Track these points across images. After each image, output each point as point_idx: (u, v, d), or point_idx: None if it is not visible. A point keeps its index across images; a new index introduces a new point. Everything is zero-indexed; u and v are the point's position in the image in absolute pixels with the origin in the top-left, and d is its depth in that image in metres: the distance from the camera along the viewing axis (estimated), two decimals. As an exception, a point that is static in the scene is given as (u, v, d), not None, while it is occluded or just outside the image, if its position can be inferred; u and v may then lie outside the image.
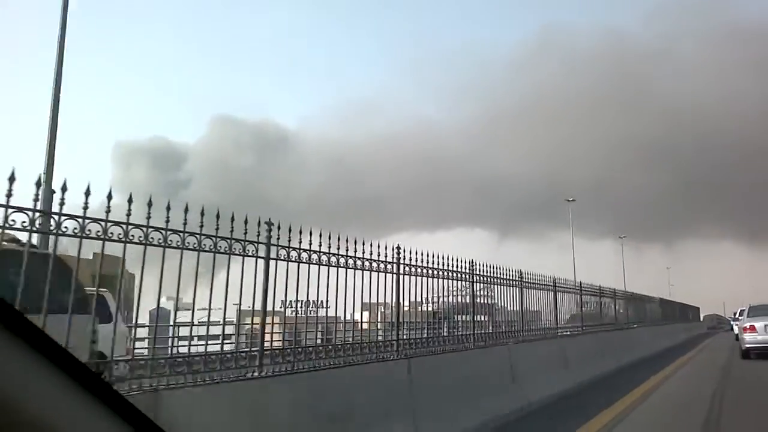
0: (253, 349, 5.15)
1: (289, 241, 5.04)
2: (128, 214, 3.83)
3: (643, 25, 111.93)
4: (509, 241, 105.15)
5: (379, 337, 6.87)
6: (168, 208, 3.91)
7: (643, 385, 11.10)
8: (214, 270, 4.41)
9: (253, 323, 5.50)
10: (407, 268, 6.77)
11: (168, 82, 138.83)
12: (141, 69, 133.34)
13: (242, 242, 4.56)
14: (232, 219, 4.44)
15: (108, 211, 3.73)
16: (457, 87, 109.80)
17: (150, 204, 3.90)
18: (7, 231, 3.36)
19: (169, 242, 3.99)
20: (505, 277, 9.57)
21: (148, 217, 3.90)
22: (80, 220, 3.60)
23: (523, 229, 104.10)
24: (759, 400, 9.35)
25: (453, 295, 8.21)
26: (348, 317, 5.93)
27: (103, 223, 3.71)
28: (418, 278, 7.01)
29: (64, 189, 3.50)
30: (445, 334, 8.20)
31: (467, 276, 8.35)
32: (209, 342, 4.69)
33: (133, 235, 3.87)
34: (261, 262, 4.85)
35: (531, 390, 8.65)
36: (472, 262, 8.56)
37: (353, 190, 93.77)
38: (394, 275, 6.56)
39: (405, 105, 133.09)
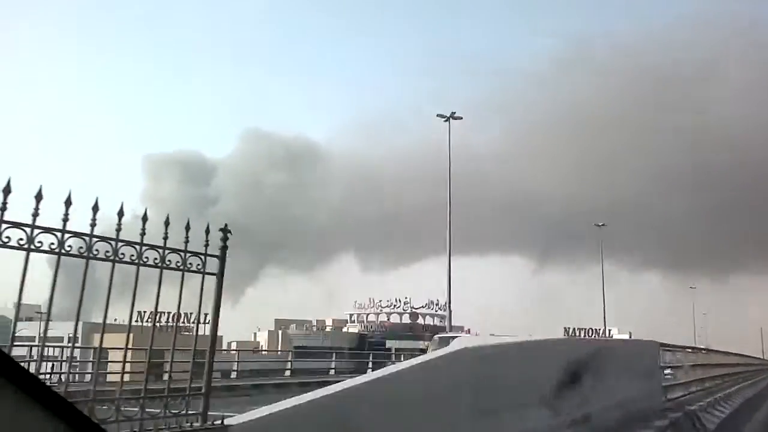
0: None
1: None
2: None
3: (691, 37, 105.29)
4: (547, 270, 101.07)
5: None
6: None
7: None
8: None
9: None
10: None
11: (200, 95, 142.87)
12: (172, 82, 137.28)
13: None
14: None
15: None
16: (485, 102, 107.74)
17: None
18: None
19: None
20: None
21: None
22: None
23: (561, 256, 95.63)
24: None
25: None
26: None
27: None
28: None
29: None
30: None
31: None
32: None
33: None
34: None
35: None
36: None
37: (378, 208, 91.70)
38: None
39: (430, 120, 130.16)
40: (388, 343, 61.36)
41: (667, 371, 12.73)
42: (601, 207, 76.40)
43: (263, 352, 48.40)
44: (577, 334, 63.97)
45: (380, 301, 69.93)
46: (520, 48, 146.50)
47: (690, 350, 16.79)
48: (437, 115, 36.86)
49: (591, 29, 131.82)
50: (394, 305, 69.02)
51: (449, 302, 34.90)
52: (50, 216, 2.94)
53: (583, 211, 74.10)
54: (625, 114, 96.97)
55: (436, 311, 67.35)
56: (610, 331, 67.43)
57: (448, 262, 34.01)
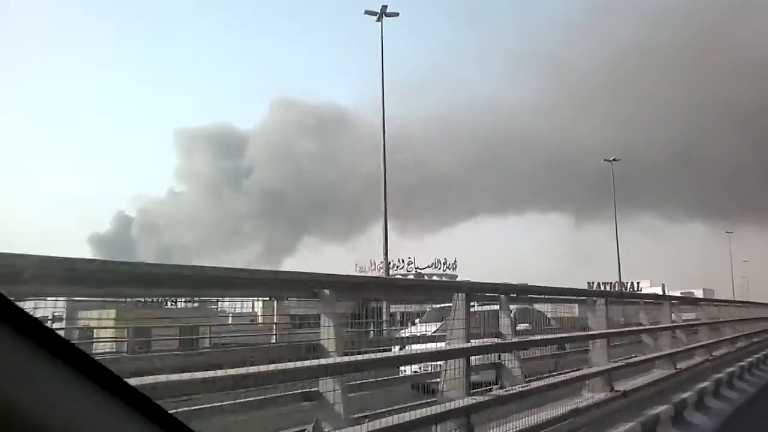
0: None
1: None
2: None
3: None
4: (587, 225, 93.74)
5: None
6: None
7: None
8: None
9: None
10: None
11: (227, 65, 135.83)
12: (200, 54, 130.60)
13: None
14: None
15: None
16: (519, 53, 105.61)
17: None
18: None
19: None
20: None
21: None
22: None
23: (601, 210, 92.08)
24: None
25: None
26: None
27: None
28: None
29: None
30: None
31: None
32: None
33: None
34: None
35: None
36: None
37: (411, 172, 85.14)
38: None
39: (464, 79, 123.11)
40: (393, 308, 52.26)
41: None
42: (644, 157, 72.62)
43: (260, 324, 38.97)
44: (601, 287, 58.88)
45: (381, 262, 60.82)
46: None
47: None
48: (365, 13, 29.31)
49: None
50: (397, 266, 60.01)
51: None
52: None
53: (625, 162, 72.79)
54: (670, 57, 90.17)
55: (444, 271, 59.37)
56: (638, 284, 62.50)
57: (384, 221, 29.64)
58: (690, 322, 12.84)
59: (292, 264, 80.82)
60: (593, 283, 58.32)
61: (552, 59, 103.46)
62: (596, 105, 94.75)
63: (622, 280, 60.58)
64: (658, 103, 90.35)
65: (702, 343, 12.04)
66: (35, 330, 0.95)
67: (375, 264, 60.39)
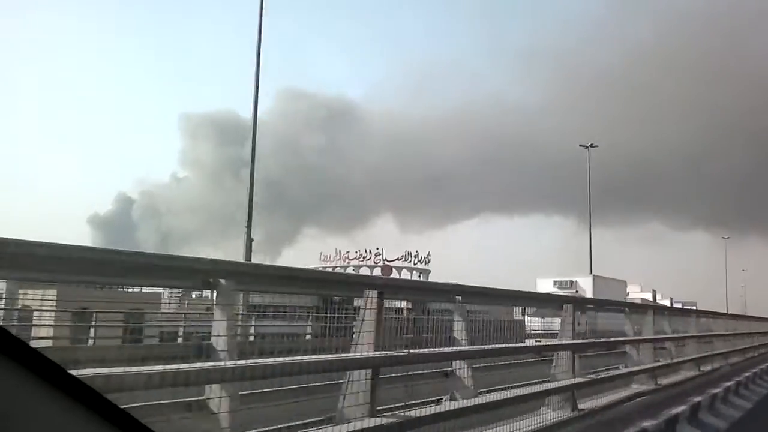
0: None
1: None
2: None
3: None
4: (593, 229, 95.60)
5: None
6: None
7: None
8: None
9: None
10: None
11: (234, 52, 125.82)
12: (207, 38, 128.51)
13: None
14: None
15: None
16: (529, 52, 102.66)
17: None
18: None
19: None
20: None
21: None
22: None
23: (606, 215, 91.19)
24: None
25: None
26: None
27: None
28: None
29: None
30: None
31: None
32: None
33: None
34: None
35: None
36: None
37: (417, 168, 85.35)
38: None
39: (473, 77, 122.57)
40: (357, 302, 51.47)
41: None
42: (654, 163, 72.50)
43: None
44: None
45: (347, 252, 60.00)
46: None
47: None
48: None
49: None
50: (364, 257, 59.30)
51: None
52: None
53: (633, 167, 70.32)
54: (684, 60, 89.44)
55: (414, 264, 58.76)
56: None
57: (249, 208, 26.83)
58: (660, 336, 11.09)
59: (290, 253, 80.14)
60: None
61: (564, 59, 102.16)
62: (606, 108, 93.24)
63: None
64: (671, 110, 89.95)
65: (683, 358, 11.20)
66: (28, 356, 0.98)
67: (341, 254, 59.82)
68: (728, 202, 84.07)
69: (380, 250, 59.00)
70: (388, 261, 58.50)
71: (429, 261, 58.82)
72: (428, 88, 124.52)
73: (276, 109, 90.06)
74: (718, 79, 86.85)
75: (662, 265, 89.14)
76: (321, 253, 59.76)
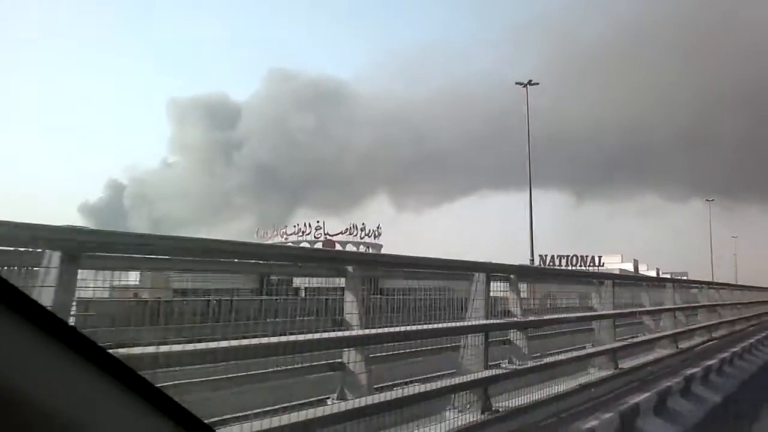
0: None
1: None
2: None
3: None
4: (587, 203, 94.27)
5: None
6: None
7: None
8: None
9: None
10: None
11: (224, 35, 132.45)
12: (195, 22, 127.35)
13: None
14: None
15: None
16: (521, 26, 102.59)
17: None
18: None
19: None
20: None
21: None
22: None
23: (601, 189, 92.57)
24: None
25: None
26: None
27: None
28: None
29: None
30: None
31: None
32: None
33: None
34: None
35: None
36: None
37: (411, 148, 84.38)
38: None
39: (464, 55, 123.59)
40: (297, 281, 45.97)
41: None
42: (651, 137, 72.15)
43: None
44: (556, 261, 55.91)
45: (285, 227, 54.14)
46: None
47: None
48: None
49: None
50: (303, 231, 53.63)
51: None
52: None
53: (630, 143, 68.63)
54: (677, 35, 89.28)
55: (362, 238, 53.46)
56: (600, 258, 59.47)
57: None
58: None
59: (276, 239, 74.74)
60: (546, 256, 54.62)
61: (555, 31, 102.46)
62: (598, 82, 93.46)
63: (580, 254, 57.28)
64: (662, 83, 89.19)
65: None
66: (34, 312, 0.92)
67: (277, 228, 54.08)
68: (721, 171, 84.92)
69: (321, 224, 53.55)
70: (330, 235, 53.09)
71: (380, 234, 53.86)
72: (421, 66, 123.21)
73: (264, 92, 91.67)
74: (713, 50, 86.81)
75: (655, 236, 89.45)
76: (258, 229, 54.07)
